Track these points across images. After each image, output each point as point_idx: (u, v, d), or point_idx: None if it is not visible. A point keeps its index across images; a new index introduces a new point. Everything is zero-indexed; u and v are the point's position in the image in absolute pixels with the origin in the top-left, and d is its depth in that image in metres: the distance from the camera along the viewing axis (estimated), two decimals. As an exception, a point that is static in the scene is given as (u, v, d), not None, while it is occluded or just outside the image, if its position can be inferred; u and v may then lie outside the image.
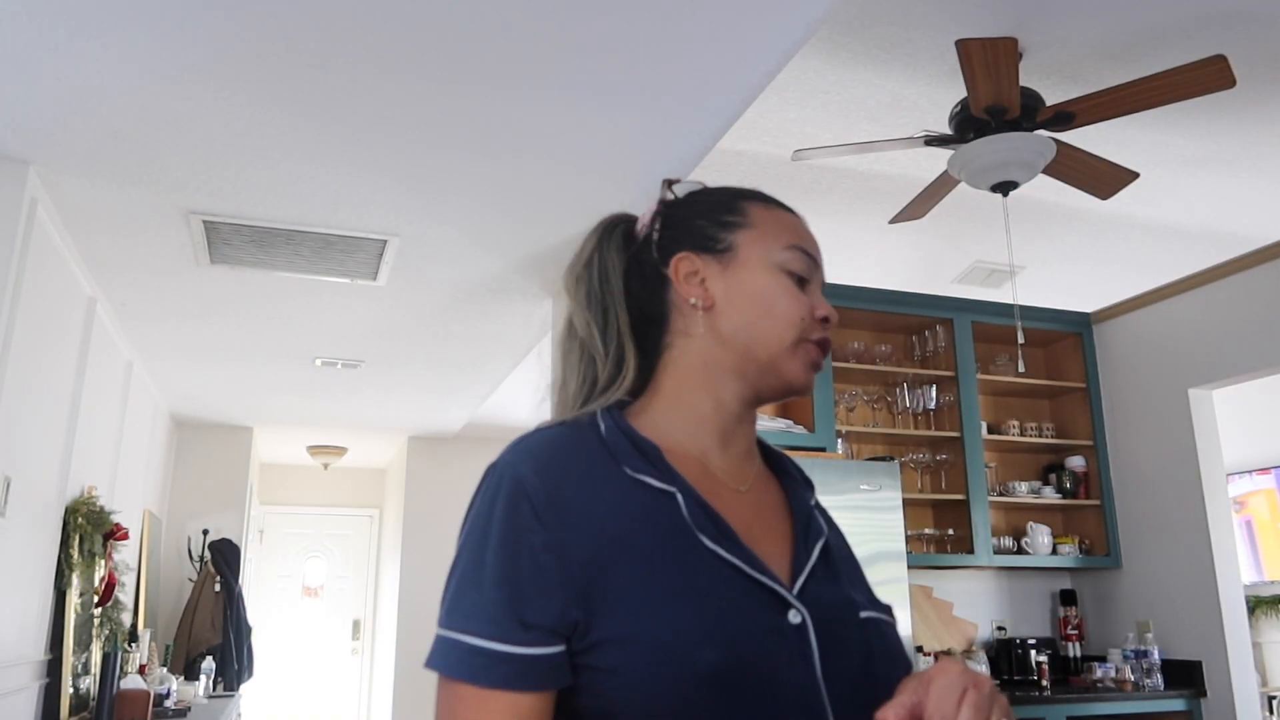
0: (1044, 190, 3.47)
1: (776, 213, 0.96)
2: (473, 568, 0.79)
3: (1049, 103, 2.84)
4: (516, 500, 0.80)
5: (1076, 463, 4.35)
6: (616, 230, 0.99)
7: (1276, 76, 2.86)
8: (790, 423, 3.85)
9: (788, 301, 0.91)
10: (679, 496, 0.83)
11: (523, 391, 5.47)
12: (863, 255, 4.22)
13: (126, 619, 4.47)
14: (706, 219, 0.96)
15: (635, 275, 0.96)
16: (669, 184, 0.99)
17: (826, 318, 0.93)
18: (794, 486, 0.96)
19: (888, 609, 0.92)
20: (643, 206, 1.00)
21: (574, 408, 0.94)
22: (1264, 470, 6.12)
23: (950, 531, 4.12)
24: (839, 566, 0.91)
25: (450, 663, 0.77)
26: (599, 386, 0.95)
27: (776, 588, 0.81)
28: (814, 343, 0.92)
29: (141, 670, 4.06)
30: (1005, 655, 4.09)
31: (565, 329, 0.97)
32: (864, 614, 0.86)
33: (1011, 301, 4.17)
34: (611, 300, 0.95)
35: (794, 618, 0.80)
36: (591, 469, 0.84)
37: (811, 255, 0.94)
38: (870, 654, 0.84)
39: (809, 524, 0.91)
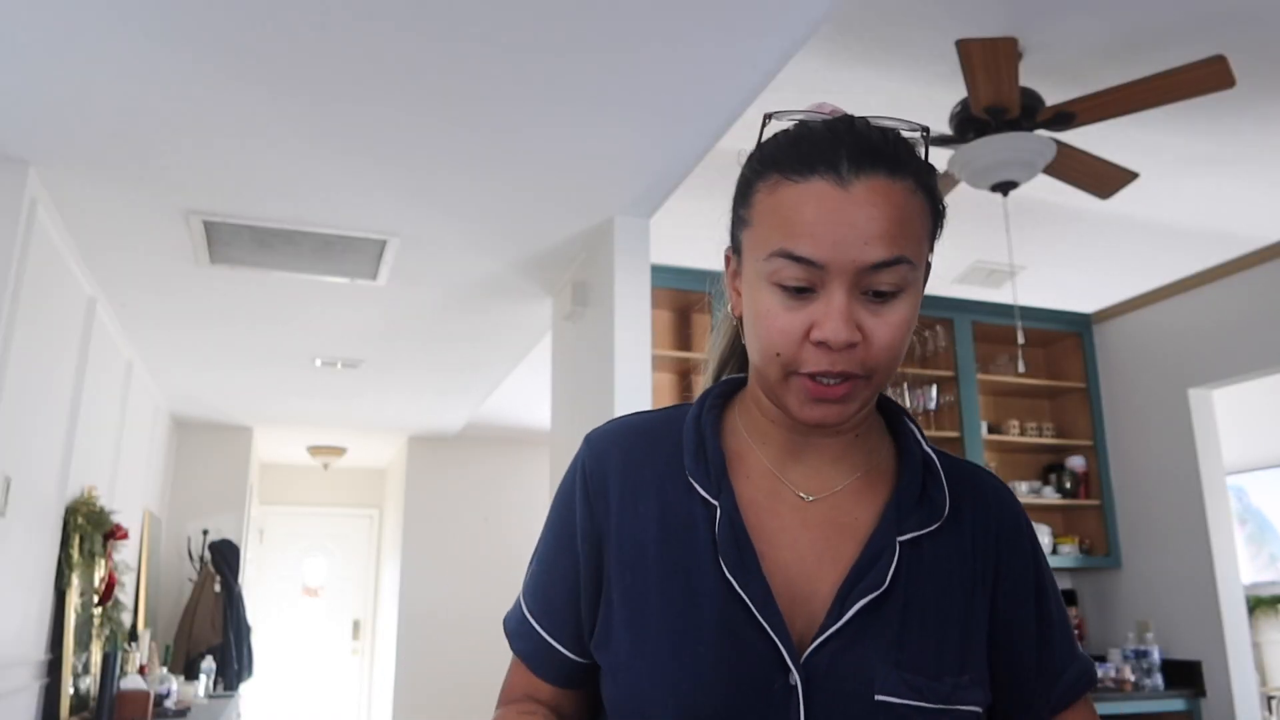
0: (1044, 190, 3.46)
1: (781, 194, 0.74)
2: (539, 540, 0.88)
3: (1049, 103, 2.84)
4: (573, 484, 0.85)
5: (1076, 463, 4.34)
6: None
7: (1276, 76, 2.86)
8: (790, 423, 3.85)
9: (764, 329, 0.74)
10: (718, 510, 0.78)
11: (522, 392, 5.47)
12: (863, 255, 4.21)
13: (126, 619, 4.47)
14: (734, 209, 0.81)
15: None
16: (767, 119, 0.80)
17: (823, 340, 0.71)
18: (892, 512, 0.79)
19: (969, 692, 0.75)
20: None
21: (709, 379, 0.91)
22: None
23: (950, 531, 4.11)
24: (900, 626, 0.75)
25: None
26: (728, 362, 0.91)
27: (779, 642, 0.73)
28: (806, 375, 0.73)
29: (141, 670, 4.06)
30: (1005, 655, 4.09)
31: None
32: (881, 697, 0.72)
33: (1011, 301, 4.17)
34: None
35: (791, 680, 0.73)
36: (654, 465, 0.82)
37: (806, 259, 0.71)
38: None
39: (870, 567, 0.76)
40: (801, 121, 0.78)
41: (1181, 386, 4.01)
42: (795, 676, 0.72)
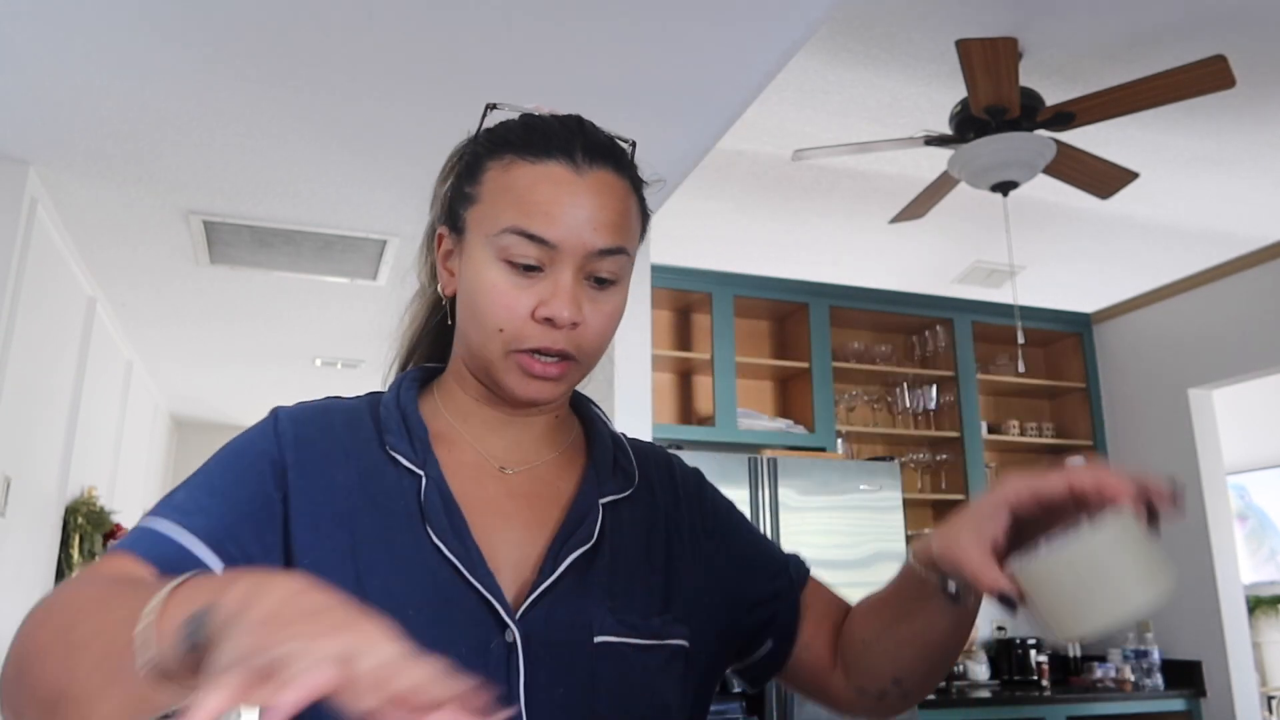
0: (1044, 190, 3.47)
1: (515, 173, 0.77)
2: (199, 473, 0.76)
3: (1049, 103, 2.84)
4: (263, 433, 0.78)
5: (1077, 463, 4.34)
6: None
7: (1276, 76, 2.86)
8: (790, 423, 3.85)
9: (489, 304, 0.76)
10: (423, 480, 0.77)
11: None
12: (863, 255, 4.22)
13: (126, 619, 4.47)
14: (456, 187, 0.83)
15: None
16: (489, 108, 0.84)
17: (550, 318, 0.75)
18: (592, 478, 0.83)
19: (675, 628, 0.80)
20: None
21: (400, 364, 0.92)
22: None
23: (950, 531, 4.11)
24: (609, 576, 0.79)
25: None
26: (419, 344, 0.91)
27: (493, 600, 0.73)
28: (525, 353, 0.76)
29: (141, 670, 4.06)
30: (1005, 655, 4.09)
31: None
32: (601, 639, 0.75)
33: (1011, 301, 4.17)
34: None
35: (509, 636, 0.73)
36: (352, 440, 0.79)
37: (539, 238, 0.74)
38: (595, 685, 0.74)
39: (577, 526, 0.79)
40: (528, 113, 0.83)
41: (1181, 386, 4.01)
42: (514, 633, 0.73)
